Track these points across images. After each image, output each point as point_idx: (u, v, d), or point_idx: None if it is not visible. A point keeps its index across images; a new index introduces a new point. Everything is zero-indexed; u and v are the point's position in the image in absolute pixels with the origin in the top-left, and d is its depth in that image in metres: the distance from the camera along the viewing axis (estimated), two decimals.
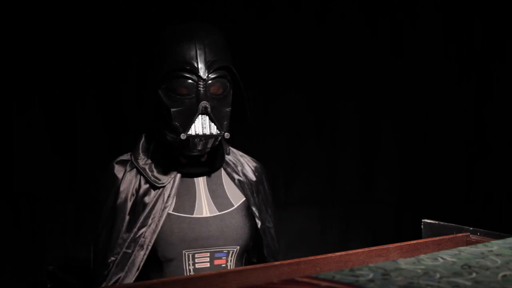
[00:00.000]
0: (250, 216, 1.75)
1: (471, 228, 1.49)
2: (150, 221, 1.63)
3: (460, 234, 1.48)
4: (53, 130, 2.99)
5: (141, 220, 1.64)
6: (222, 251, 1.69)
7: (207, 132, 1.61)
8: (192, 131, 1.60)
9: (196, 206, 1.69)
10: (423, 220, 1.59)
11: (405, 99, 3.24)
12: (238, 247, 1.72)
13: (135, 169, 1.70)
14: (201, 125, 1.61)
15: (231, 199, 1.75)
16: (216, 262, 1.68)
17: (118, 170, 1.71)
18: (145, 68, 1.70)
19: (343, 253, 1.29)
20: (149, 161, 1.71)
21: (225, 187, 1.76)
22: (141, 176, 1.68)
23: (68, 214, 3.02)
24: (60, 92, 2.98)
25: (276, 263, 1.22)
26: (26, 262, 2.96)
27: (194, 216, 1.67)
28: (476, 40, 3.14)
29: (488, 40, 3.12)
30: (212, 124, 1.62)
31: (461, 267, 0.99)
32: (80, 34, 2.95)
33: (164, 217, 1.64)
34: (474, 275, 0.95)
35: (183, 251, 1.64)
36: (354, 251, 1.31)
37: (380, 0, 3.22)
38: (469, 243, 1.44)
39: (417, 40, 3.21)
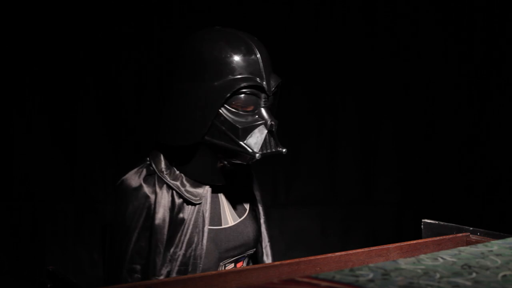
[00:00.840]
0: (256, 216, 1.76)
1: (471, 228, 1.49)
2: (195, 239, 1.58)
3: (460, 234, 1.48)
4: (54, 131, 2.99)
5: (186, 239, 1.57)
6: (243, 256, 1.69)
7: (272, 149, 1.58)
8: (262, 150, 1.56)
9: (222, 216, 1.66)
10: (423, 220, 1.58)
11: (405, 100, 3.24)
12: (255, 249, 1.73)
13: (165, 185, 1.59)
14: (267, 143, 1.57)
15: (243, 204, 1.74)
16: (238, 265, 1.69)
17: (148, 189, 1.58)
18: (192, 77, 1.55)
19: (343, 253, 1.29)
20: (177, 173, 1.61)
21: (237, 192, 1.73)
22: (173, 191, 1.59)
23: (68, 215, 3.03)
24: (60, 94, 2.98)
25: (276, 263, 1.22)
26: (26, 262, 2.96)
27: (223, 226, 1.64)
28: (476, 40, 3.14)
29: (488, 40, 3.12)
30: (273, 141, 1.58)
31: (461, 267, 0.99)
32: (80, 35, 2.95)
33: (206, 233, 1.59)
34: (474, 275, 0.95)
35: (220, 263, 1.63)
36: (354, 251, 1.31)
37: (380, 0, 3.23)
38: (469, 243, 1.44)
39: (417, 40, 3.21)
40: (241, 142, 1.54)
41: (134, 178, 1.59)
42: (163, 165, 1.61)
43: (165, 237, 1.56)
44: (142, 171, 1.60)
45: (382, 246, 1.35)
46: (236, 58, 1.54)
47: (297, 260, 1.23)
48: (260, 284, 0.97)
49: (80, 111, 3.00)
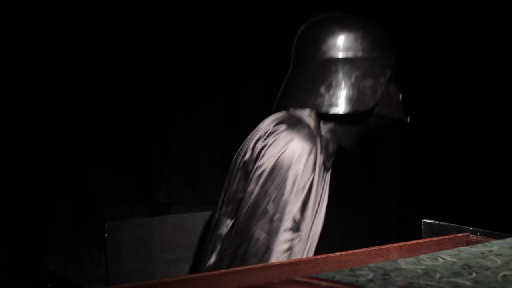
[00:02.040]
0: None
1: (471, 228, 1.48)
2: (318, 208, 1.55)
3: (460, 234, 1.47)
4: (54, 131, 2.99)
5: (318, 206, 1.54)
6: None
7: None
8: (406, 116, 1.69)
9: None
10: (423, 220, 1.58)
11: (405, 100, 3.24)
12: None
13: (319, 146, 1.56)
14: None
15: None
16: None
17: (315, 147, 1.53)
18: (358, 51, 1.66)
19: (343, 253, 1.29)
20: (324, 137, 1.59)
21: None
22: (321, 153, 1.56)
23: (68, 215, 3.03)
24: (60, 94, 2.98)
25: (276, 263, 1.22)
26: (26, 262, 2.96)
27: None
28: (476, 40, 3.14)
29: (488, 39, 3.12)
30: None
31: (461, 267, 0.99)
32: (80, 35, 2.95)
33: (325, 203, 1.57)
34: (474, 275, 0.95)
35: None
36: (354, 251, 1.30)
37: (380, 1, 3.23)
38: (469, 243, 1.44)
39: (417, 39, 3.22)
40: (395, 109, 1.65)
41: (303, 133, 1.53)
42: (315, 127, 1.58)
43: (312, 198, 1.51)
44: (303, 126, 1.55)
45: (382, 246, 1.34)
46: (386, 35, 1.71)
47: (297, 260, 1.23)
48: (260, 284, 0.97)
49: (80, 111, 3.00)
